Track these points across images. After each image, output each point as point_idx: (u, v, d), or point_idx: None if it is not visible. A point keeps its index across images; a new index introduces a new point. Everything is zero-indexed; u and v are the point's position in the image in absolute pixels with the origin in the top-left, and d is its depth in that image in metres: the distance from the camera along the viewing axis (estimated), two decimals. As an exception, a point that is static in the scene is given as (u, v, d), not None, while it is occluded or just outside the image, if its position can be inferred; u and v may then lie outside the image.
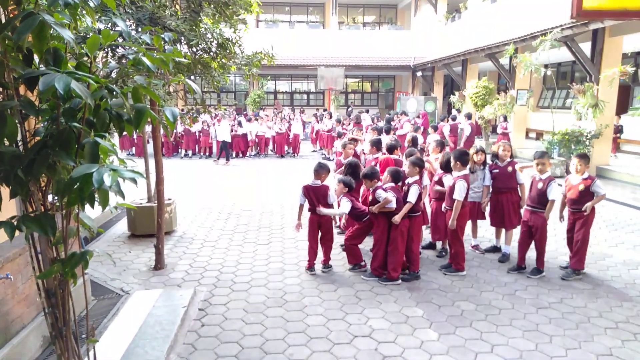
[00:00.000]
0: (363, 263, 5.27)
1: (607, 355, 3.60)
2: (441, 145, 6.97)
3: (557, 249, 6.03)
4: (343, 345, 3.70)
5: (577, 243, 5.04)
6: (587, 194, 4.95)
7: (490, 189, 5.68)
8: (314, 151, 17.66)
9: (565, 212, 5.30)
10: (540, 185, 5.01)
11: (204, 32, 5.24)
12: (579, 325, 4.07)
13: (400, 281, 4.92)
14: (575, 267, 5.07)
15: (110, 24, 4.28)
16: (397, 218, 4.79)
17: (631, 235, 6.73)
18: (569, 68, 18.76)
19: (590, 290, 4.80)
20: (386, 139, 8.47)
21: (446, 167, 5.49)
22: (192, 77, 6.01)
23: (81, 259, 1.93)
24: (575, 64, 16.17)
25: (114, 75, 2.53)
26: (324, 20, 26.85)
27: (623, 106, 14.47)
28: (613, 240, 6.50)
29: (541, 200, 5.00)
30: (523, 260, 5.22)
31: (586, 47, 11.58)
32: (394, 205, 4.82)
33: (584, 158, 5.05)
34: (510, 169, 5.54)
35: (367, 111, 21.71)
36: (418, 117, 17.92)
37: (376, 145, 6.65)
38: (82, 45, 1.98)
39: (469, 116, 14.53)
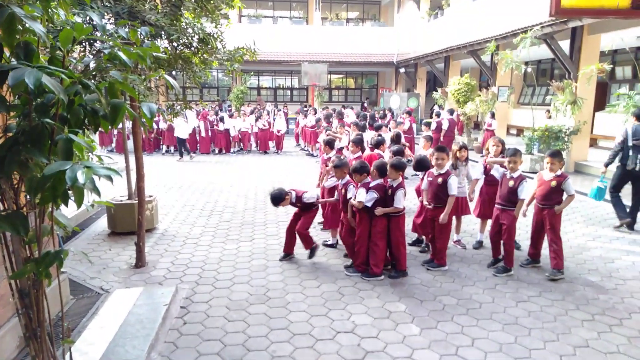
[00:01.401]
0: (315, 245, 5.51)
1: (583, 347, 3.68)
2: (430, 140, 7.10)
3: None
4: (326, 341, 3.70)
5: (552, 245, 5.05)
6: (557, 191, 5.00)
7: (482, 182, 5.79)
8: (297, 145, 17.63)
9: (531, 208, 5.27)
10: (511, 183, 5.04)
11: (185, 27, 5.16)
12: (557, 317, 4.16)
13: (382, 277, 4.95)
14: (556, 268, 5.04)
15: (88, 18, 4.18)
16: (378, 211, 4.85)
17: (607, 229, 6.89)
18: (549, 65, 19.10)
19: (568, 284, 4.90)
20: (370, 135, 8.52)
21: (418, 168, 5.57)
22: (174, 73, 5.92)
23: (55, 258, 1.88)
24: (554, 61, 16.46)
25: (92, 69, 2.48)
26: (307, 16, 26.75)
27: (600, 103, 14.79)
28: (590, 234, 6.65)
29: (511, 199, 5.03)
30: (499, 253, 5.29)
31: (565, 45, 11.79)
32: (369, 204, 4.87)
33: (556, 156, 5.02)
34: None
35: (353, 108, 21.75)
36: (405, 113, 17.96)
37: (358, 144, 6.65)
38: (58, 40, 1.93)
39: (451, 112, 14.62)
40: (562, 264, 5.07)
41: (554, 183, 4.99)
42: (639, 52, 14.29)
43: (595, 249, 6.03)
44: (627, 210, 6.82)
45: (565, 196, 5.02)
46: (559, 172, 5.02)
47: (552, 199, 5.02)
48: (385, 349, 3.60)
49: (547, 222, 5.06)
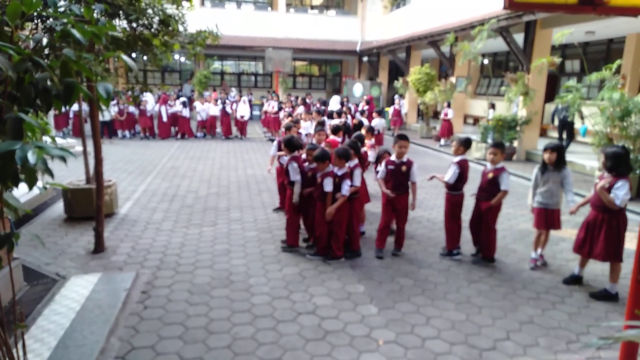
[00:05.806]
0: (293, 246, 5.40)
1: (529, 322, 3.93)
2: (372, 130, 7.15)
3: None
4: (287, 323, 3.78)
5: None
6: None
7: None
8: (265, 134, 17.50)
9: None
10: (490, 175, 5.01)
11: (145, 7, 5.01)
12: (506, 296, 4.41)
13: (344, 259, 5.08)
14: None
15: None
16: (344, 191, 4.92)
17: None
18: (504, 58, 19.75)
19: (516, 265, 5.19)
20: (335, 122, 8.60)
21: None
22: (133, 55, 5.75)
23: (5, 241, 1.84)
24: (509, 54, 17.03)
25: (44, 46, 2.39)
26: (271, 1, 26.34)
27: (551, 95, 15.49)
28: (539, 218, 7.02)
29: (491, 190, 5.04)
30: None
31: (520, 38, 12.24)
32: (347, 193, 4.94)
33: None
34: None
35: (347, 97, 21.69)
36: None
37: (323, 127, 6.74)
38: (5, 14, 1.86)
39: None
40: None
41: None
42: (586, 47, 15.02)
43: (542, 232, 6.38)
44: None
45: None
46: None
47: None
48: (344, 329, 3.72)
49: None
